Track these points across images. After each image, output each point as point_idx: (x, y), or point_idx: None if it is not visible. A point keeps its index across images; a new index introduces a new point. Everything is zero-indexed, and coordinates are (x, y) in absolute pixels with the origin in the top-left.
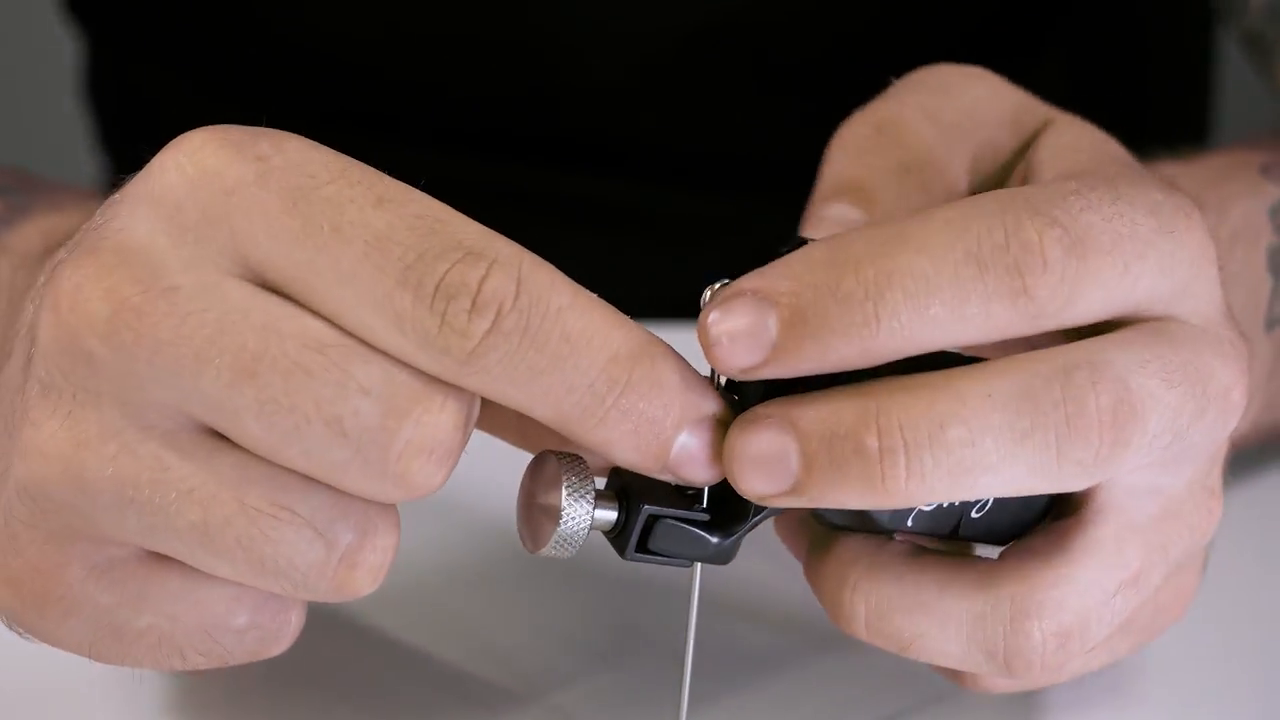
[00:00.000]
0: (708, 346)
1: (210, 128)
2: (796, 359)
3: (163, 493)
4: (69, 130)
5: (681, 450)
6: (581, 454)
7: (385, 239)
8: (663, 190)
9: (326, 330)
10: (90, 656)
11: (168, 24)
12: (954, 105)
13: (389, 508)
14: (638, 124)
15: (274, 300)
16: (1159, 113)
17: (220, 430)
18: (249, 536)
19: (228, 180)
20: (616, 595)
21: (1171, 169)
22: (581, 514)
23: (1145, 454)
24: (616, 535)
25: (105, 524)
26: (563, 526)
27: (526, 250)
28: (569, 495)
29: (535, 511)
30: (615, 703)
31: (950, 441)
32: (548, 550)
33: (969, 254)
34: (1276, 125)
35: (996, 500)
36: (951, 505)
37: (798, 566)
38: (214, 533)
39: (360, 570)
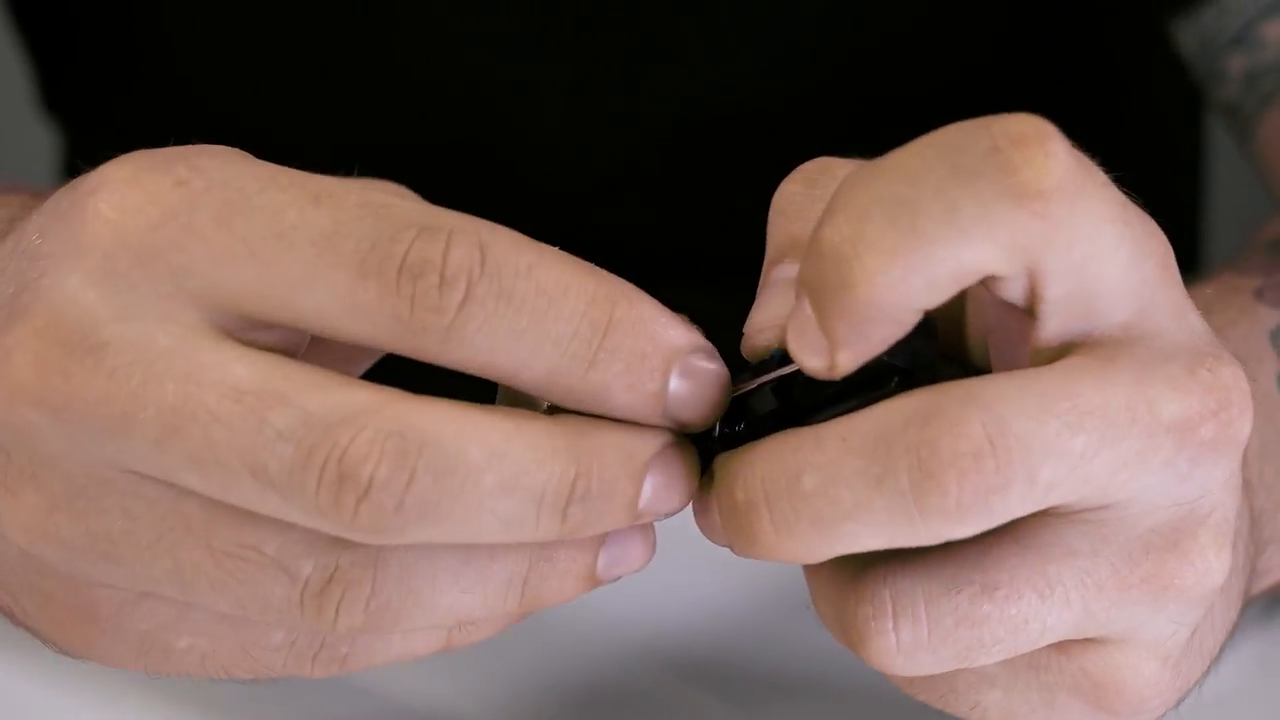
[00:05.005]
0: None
1: (122, 162)
2: None
3: (133, 545)
4: None
5: (677, 392)
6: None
7: (333, 234)
8: (649, 288)
9: (247, 374)
10: (143, 670)
11: (140, 119)
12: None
13: None
14: (614, 221)
15: (205, 345)
16: (1146, 188)
17: (168, 483)
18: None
19: (152, 216)
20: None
21: None
22: None
23: (1042, 502)
24: None
25: (97, 577)
26: None
27: (479, 219)
28: None
29: None
30: None
31: (806, 490)
32: None
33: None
34: (1269, 210)
35: None
36: None
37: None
38: (188, 578)
39: None
